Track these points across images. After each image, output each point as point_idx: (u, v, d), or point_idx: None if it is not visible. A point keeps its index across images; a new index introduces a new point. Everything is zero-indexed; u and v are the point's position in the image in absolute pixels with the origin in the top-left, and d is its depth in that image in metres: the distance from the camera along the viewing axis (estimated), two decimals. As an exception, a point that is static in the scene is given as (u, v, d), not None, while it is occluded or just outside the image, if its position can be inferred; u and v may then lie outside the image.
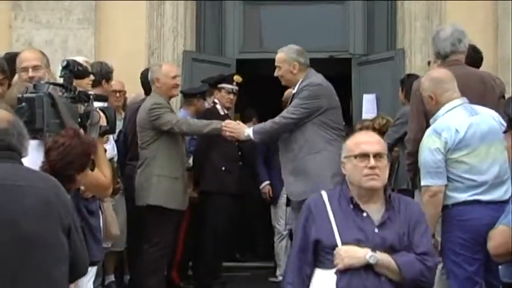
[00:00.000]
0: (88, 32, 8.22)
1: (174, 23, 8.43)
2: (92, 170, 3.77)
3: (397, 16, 8.50)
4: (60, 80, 4.21)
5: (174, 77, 6.42)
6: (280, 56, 5.91)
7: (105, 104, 4.54)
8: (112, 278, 6.74)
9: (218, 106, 7.18)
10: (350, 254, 3.46)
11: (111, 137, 5.59)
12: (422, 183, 4.71)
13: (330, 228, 3.55)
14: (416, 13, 8.23)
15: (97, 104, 4.28)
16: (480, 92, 5.09)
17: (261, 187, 7.77)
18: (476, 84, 5.14)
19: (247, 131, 5.84)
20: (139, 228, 6.29)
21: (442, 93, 4.74)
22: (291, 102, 5.81)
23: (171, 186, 6.19)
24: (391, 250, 3.50)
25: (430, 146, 4.63)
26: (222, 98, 7.21)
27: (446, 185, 4.62)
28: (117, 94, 7.11)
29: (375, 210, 3.59)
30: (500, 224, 3.84)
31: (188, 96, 7.56)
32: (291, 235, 7.01)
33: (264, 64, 9.18)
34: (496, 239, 3.76)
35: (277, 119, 5.73)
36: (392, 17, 8.59)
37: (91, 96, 4.13)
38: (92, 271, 4.84)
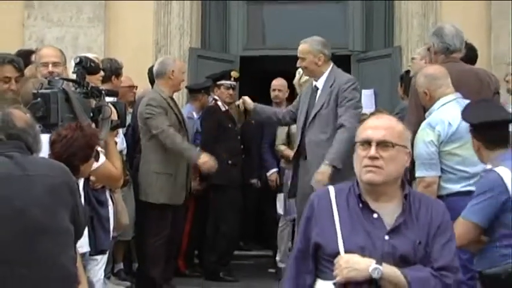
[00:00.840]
0: (98, 30, 8.21)
1: (181, 21, 8.41)
2: (97, 160, 3.80)
3: (394, 15, 8.49)
4: (73, 76, 4.24)
5: (183, 73, 6.51)
6: (304, 47, 5.81)
7: (116, 99, 4.58)
8: (121, 266, 6.77)
9: (219, 102, 7.18)
10: (351, 264, 2.79)
11: (120, 130, 5.60)
12: (416, 175, 4.72)
13: (333, 231, 2.88)
14: (413, 12, 8.20)
15: (108, 99, 4.31)
16: (476, 88, 5.09)
17: (268, 174, 7.52)
18: (472, 80, 5.15)
19: (323, 168, 5.36)
20: (143, 219, 6.33)
21: (435, 89, 4.75)
22: (314, 96, 5.72)
23: (166, 182, 6.17)
24: (402, 262, 2.81)
25: (425, 139, 4.64)
26: (221, 94, 7.21)
27: (440, 177, 4.63)
28: (134, 89, 7.11)
29: (389, 212, 2.90)
30: (460, 217, 3.90)
31: (193, 92, 7.56)
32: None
33: (266, 61, 9.24)
34: (457, 231, 3.71)
35: (342, 134, 5.43)
36: (389, 16, 8.58)
37: (103, 92, 4.16)
38: (103, 259, 4.86)
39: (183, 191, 6.28)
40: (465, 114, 4.39)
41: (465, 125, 4.58)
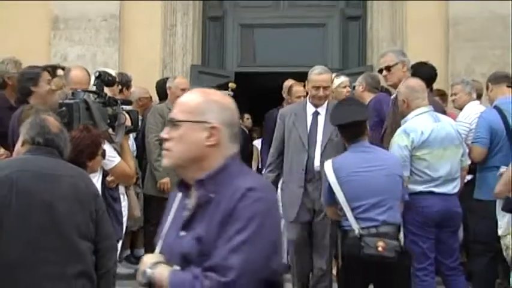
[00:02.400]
0: (113, 49, 8.21)
1: (184, 42, 8.42)
2: (104, 157, 3.80)
3: (367, 38, 8.51)
4: (93, 88, 4.26)
5: (183, 89, 6.28)
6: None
7: (130, 108, 4.59)
8: (128, 251, 6.78)
9: None
10: (141, 266, 2.12)
11: (131, 135, 5.62)
12: None
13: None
14: (382, 36, 8.23)
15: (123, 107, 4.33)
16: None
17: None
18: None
19: None
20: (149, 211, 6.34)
21: (413, 99, 4.73)
22: (316, 121, 5.15)
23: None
24: (185, 262, 2.03)
25: (400, 143, 4.62)
26: None
27: (408, 177, 4.62)
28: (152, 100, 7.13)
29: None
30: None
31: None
32: None
33: (257, 76, 9.28)
34: None
35: None
36: (363, 39, 8.59)
37: (118, 101, 4.18)
38: (117, 247, 4.88)
39: None
40: (332, 117, 4.59)
41: (434, 135, 4.62)
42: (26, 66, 5.32)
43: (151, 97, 7.09)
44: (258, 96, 8.06)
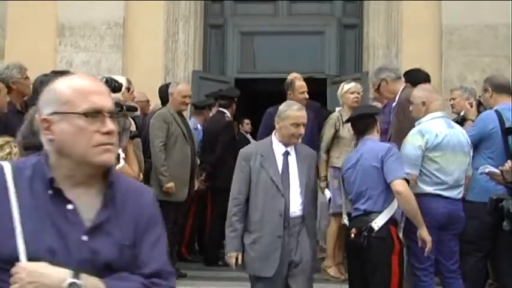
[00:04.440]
0: (117, 55, 8.29)
1: (186, 48, 8.49)
2: (118, 161, 3.82)
3: (363, 46, 8.58)
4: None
5: (185, 96, 6.28)
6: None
7: (135, 113, 4.64)
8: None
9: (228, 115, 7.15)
10: (37, 277, 1.73)
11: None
12: None
13: (10, 227, 1.78)
14: (378, 44, 8.32)
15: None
16: None
17: None
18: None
19: None
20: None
21: (433, 101, 4.74)
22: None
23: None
24: (106, 270, 1.82)
25: (414, 143, 4.62)
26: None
27: (417, 177, 4.62)
28: (149, 104, 7.17)
29: (88, 203, 1.86)
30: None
31: (198, 108, 7.61)
32: None
33: (257, 82, 9.34)
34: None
35: None
36: (359, 47, 8.67)
37: (124, 107, 4.23)
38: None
39: (185, 190, 6.22)
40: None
41: (447, 140, 4.64)
42: (35, 72, 5.37)
43: (148, 101, 7.15)
44: (258, 102, 8.11)
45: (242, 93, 7.57)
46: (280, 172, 4.35)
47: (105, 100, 1.87)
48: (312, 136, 6.13)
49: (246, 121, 9.70)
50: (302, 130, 4.37)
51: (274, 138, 4.45)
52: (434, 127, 4.66)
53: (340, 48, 8.72)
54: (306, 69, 8.55)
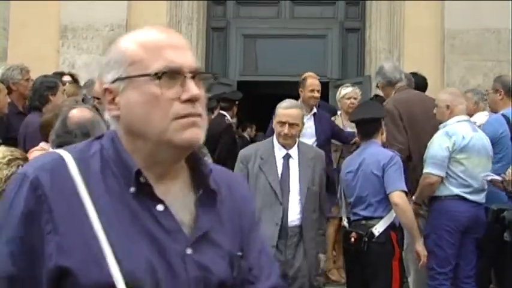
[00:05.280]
0: (120, 57, 8.27)
1: (188, 51, 8.49)
2: None
3: (365, 49, 8.58)
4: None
5: None
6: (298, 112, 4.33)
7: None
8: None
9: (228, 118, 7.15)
10: None
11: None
12: (425, 171, 4.68)
13: (93, 243, 1.26)
14: (380, 47, 8.31)
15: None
16: (421, 107, 5.17)
17: None
18: (418, 102, 5.24)
19: None
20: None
21: (457, 104, 4.75)
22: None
23: None
24: None
25: (441, 144, 4.63)
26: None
27: (442, 179, 4.62)
28: None
29: (178, 202, 1.35)
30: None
31: (199, 109, 7.59)
32: None
33: (259, 85, 9.33)
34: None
35: None
36: (361, 50, 8.66)
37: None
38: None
39: None
40: (350, 114, 4.67)
41: (473, 143, 4.64)
42: (38, 73, 5.37)
43: None
44: (260, 105, 8.11)
45: (245, 96, 7.57)
46: (280, 177, 4.08)
47: (185, 56, 1.34)
48: (325, 137, 6.00)
49: (254, 127, 9.70)
50: (287, 130, 4.07)
51: (275, 139, 4.22)
52: (461, 129, 4.66)
53: (343, 51, 8.72)
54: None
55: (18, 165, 3.04)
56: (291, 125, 4.10)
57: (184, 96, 1.32)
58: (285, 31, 8.79)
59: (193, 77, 1.34)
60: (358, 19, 8.73)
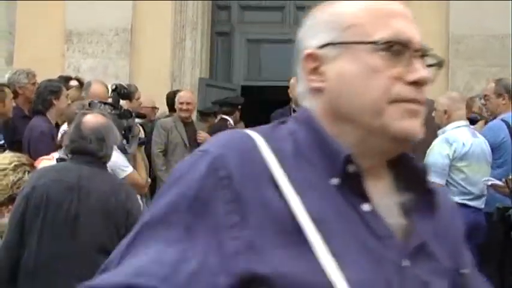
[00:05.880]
0: (124, 61, 8.28)
1: (193, 55, 8.48)
2: None
3: (369, 54, 8.58)
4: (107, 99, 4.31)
5: (182, 103, 6.35)
6: None
7: (143, 120, 4.64)
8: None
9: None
10: None
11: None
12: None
13: (302, 241, 0.97)
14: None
15: (137, 120, 4.37)
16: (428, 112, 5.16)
17: None
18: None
19: None
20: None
21: (455, 110, 4.71)
22: None
23: None
24: None
25: (441, 152, 4.60)
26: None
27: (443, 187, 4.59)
28: (156, 110, 7.18)
29: (382, 201, 1.07)
30: None
31: (204, 115, 7.62)
32: None
33: (263, 90, 9.32)
34: None
35: None
36: (366, 55, 8.67)
37: (133, 114, 4.23)
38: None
39: None
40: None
41: (473, 149, 4.61)
42: (43, 77, 5.39)
43: (153, 108, 7.14)
44: (264, 109, 8.09)
45: (249, 101, 7.57)
46: None
47: (414, 30, 1.11)
48: None
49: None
50: None
51: None
52: (461, 136, 4.63)
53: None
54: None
55: (25, 171, 3.05)
56: None
57: (412, 77, 1.06)
58: (289, 36, 8.70)
59: (422, 56, 1.11)
60: (362, 24, 8.73)
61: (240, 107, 7.29)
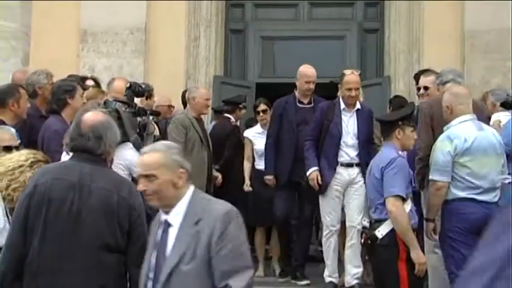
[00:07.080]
0: (139, 60, 8.32)
1: (207, 54, 8.51)
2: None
3: (384, 50, 8.56)
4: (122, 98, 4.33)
5: (207, 99, 6.44)
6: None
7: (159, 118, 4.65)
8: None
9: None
10: None
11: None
12: (430, 177, 4.67)
13: None
14: (399, 48, 8.28)
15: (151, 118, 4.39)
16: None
17: (308, 173, 5.80)
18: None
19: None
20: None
21: (457, 105, 4.70)
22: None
23: None
24: None
25: (443, 149, 4.60)
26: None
27: (449, 183, 4.59)
28: (172, 108, 7.24)
29: None
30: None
31: (218, 113, 7.63)
32: None
33: (277, 87, 9.31)
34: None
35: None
36: (380, 51, 8.65)
37: (147, 112, 4.24)
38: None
39: (202, 189, 6.20)
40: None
41: (477, 143, 4.58)
42: (59, 77, 5.43)
43: (169, 106, 7.16)
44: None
45: (263, 98, 7.56)
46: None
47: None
48: (367, 135, 6.02)
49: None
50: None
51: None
52: (463, 131, 4.61)
53: (361, 52, 8.70)
54: (327, 74, 8.53)
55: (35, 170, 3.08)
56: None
57: None
58: (303, 33, 8.79)
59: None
60: (376, 20, 8.71)
61: (241, 105, 7.32)
